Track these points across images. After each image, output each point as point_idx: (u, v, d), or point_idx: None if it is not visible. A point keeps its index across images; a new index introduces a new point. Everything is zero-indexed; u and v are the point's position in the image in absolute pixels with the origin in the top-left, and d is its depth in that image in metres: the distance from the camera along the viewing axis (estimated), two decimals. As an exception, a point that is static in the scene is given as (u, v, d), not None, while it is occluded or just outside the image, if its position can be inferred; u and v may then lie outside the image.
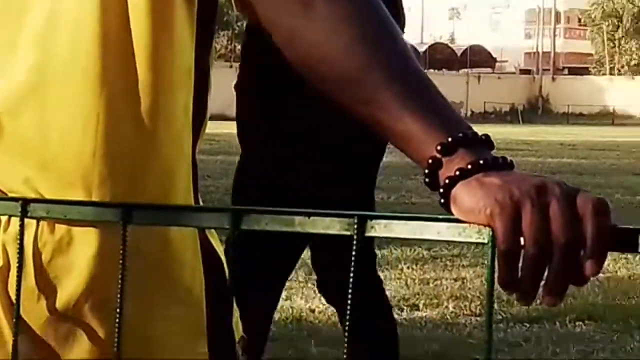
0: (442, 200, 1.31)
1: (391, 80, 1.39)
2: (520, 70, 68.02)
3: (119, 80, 1.59)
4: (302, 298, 7.07)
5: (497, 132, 30.52)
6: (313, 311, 6.82)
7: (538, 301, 1.26)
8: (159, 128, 1.62)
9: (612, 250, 1.24)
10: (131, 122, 1.60)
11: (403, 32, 4.28)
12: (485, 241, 1.25)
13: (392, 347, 4.54)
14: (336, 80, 1.44)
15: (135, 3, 1.56)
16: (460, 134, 1.32)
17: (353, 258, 1.36)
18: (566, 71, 68.01)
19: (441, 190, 1.31)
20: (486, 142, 1.34)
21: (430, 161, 1.32)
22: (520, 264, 1.24)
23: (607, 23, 64.77)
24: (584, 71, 67.18)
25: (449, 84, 54.71)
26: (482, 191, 1.26)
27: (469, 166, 1.29)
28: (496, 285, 1.24)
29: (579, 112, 58.10)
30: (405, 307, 6.95)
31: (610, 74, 64.20)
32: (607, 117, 56.64)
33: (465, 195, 1.28)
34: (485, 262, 1.27)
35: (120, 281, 1.50)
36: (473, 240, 1.28)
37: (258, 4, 1.51)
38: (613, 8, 64.26)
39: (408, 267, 8.16)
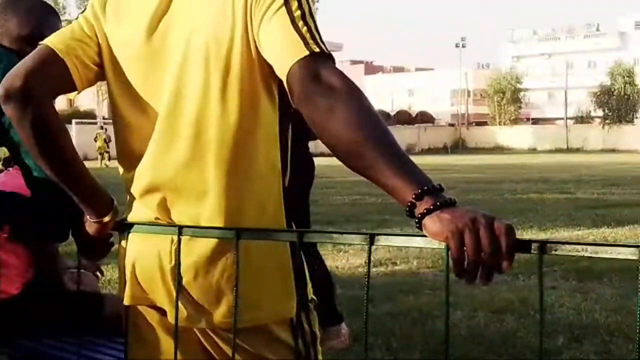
0: (418, 226, 1.30)
1: (383, 157, 1.34)
2: (448, 124, 67.76)
3: (226, 145, 1.56)
4: (330, 259, 7.03)
5: (436, 159, 30.60)
6: (337, 267, 6.80)
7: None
8: (253, 177, 1.58)
9: (516, 252, 1.24)
10: (237, 175, 1.57)
11: None
12: (443, 247, 1.28)
13: (327, 282, 4.35)
14: (349, 155, 1.39)
15: (232, 96, 1.54)
16: (425, 187, 1.30)
17: (367, 259, 1.39)
18: (474, 124, 67.53)
19: (416, 220, 1.30)
20: (440, 188, 1.31)
21: (409, 204, 1.30)
22: (465, 264, 1.25)
23: (497, 96, 64.49)
24: (484, 124, 66.72)
25: (408, 134, 54.67)
26: (440, 223, 1.26)
27: (432, 207, 1.28)
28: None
29: (481, 147, 57.80)
30: (388, 264, 6.94)
31: (499, 124, 63.79)
32: (498, 149, 56.37)
33: (431, 226, 1.28)
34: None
35: (236, 273, 1.51)
36: (436, 246, 1.30)
37: (301, 108, 1.45)
38: (500, 87, 64.02)
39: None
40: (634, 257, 1.17)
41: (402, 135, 52.60)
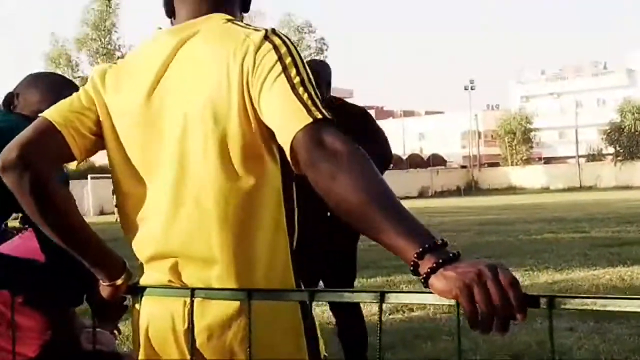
0: (424, 285, 1.29)
1: (386, 218, 1.34)
2: (461, 166, 67.71)
3: (231, 210, 1.56)
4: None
5: (450, 202, 30.42)
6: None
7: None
8: (259, 239, 1.59)
9: (528, 307, 1.23)
10: (244, 238, 1.57)
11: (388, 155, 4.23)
12: (454, 303, 1.27)
13: (362, 338, 4.40)
14: (353, 218, 1.39)
15: (233, 161, 1.55)
16: (427, 245, 1.29)
17: (378, 315, 1.38)
18: (486, 165, 67.48)
19: (422, 279, 1.29)
20: (443, 244, 1.31)
21: (412, 263, 1.30)
22: (479, 317, 1.24)
23: (507, 137, 64.43)
24: (496, 164, 66.65)
25: (420, 177, 54.78)
26: (445, 281, 1.25)
27: (434, 265, 1.27)
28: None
29: (494, 188, 57.72)
30: (405, 310, 6.87)
31: (511, 165, 63.74)
32: (511, 190, 56.22)
33: (437, 284, 1.27)
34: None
35: (249, 334, 1.52)
36: (447, 303, 1.28)
37: (307, 173, 1.44)
38: (510, 128, 64.03)
39: (406, 287, 8.05)
40: (643, 310, 1.16)
41: (415, 179, 52.63)
